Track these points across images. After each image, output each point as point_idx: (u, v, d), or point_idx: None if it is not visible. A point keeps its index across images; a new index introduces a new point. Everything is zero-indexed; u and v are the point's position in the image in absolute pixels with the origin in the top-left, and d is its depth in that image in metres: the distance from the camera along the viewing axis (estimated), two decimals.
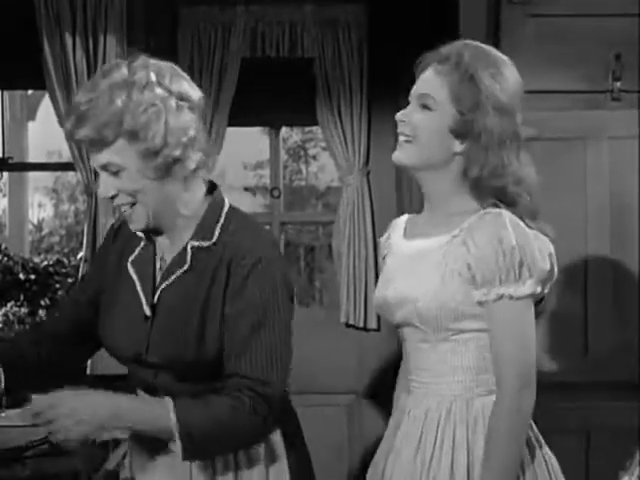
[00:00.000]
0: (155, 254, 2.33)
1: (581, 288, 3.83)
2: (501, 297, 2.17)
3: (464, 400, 2.24)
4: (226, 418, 2.16)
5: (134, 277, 2.32)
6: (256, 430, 2.20)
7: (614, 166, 3.84)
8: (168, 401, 2.15)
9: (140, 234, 2.35)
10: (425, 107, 2.25)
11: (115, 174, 2.21)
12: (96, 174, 4.51)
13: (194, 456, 2.18)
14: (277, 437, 2.33)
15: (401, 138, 2.29)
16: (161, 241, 2.33)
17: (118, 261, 2.38)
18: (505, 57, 2.32)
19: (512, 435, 2.16)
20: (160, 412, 2.15)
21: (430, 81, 2.26)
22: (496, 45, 3.84)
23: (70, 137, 2.22)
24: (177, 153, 2.21)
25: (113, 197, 2.24)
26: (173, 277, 2.26)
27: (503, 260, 2.16)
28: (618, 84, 3.83)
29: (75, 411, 2.12)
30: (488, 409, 2.22)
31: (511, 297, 2.17)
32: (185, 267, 2.25)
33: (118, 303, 2.35)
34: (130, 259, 2.35)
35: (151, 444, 2.31)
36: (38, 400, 2.14)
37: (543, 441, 2.31)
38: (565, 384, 3.69)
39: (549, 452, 2.31)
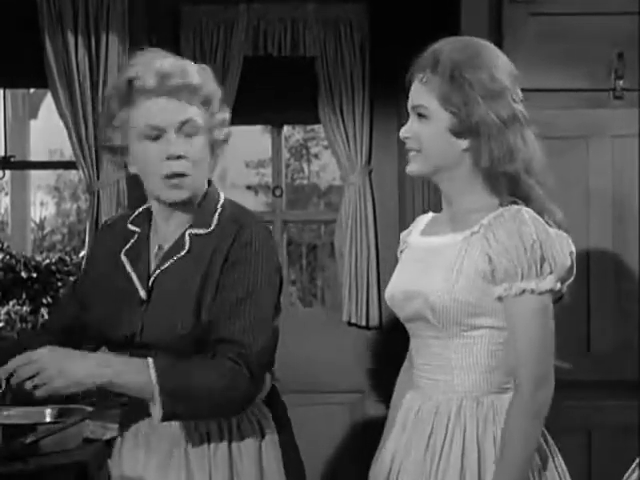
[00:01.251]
0: (149, 243, 2.42)
1: (583, 286, 3.83)
2: (523, 292, 2.18)
3: (474, 397, 2.25)
4: (207, 378, 2.21)
5: (127, 266, 2.40)
6: (237, 392, 2.24)
7: (616, 164, 3.84)
8: (148, 359, 2.21)
9: (134, 227, 2.45)
10: (421, 116, 2.28)
11: (189, 136, 2.31)
12: (99, 172, 4.52)
13: (172, 414, 2.20)
14: (266, 417, 2.40)
15: (410, 153, 2.31)
16: (164, 229, 2.40)
17: (108, 255, 2.46)
18: (487, 43, 2.32)
19: (527, 432, 2.17)
20: (140, 367, 2.20)
21: (417, 92, 2.29)
22: (498, 44, 3.84)
23: (179, 77, 2.31)
24: (226, 135, 2.40)
25: (180, 157, 2.30)
26: (170, 261, 2.35)
27: (524, 255, 2.17)
28: (620, 82, 3.83)
29: (57, 363, 2.17)
30: (498, 407, 2.22)
31: (532, 292, 2.18)
32: (183, 252, 2.34)
33: (111, 291, 2.41)
34: (123, 250, 2.42)
35: (145, 436, 2.38)
36: (19, 357, 2.20)
37: (556, 448, 2.32)
38: (567, 382, 3.68)
39: (562, 462, 2.32)
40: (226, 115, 2.40)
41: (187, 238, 2.35)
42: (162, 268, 2.35)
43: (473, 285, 2.21)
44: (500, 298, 2.20)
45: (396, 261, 2.49)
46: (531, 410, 2.16)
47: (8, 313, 5.62)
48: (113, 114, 2.35)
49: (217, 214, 2.37)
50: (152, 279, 2.36)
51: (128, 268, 2.39)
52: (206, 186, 2.41)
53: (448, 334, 2.25)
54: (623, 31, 3.83)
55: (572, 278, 2.28)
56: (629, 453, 2.55)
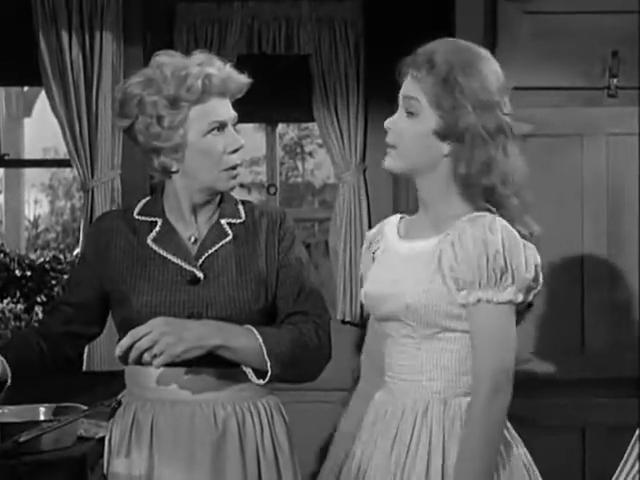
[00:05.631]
0: (177, 231, 2.53)
1: (577, 285, 3.84)
2: (479, 301, 2.18)
3: (442, 400, 2.23)
4: (301, 342, 2.45)
5: (162, 251, 2.51)
6: (323, 355, 2.53)
7: (611, 162, 3.85)
8: (247, 325, 2.41)
9: (150, 218, 2.54)
10: (410, 113, 2.26)
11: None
12: (93, 170, 4.52)
13: (277, 376, 2.42)
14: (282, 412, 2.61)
15: (387, 147, 2.30)
16: (191, 220, 2.54)
17: (124, 246, 2.53)
18: (483, 50, 2.30)
19: (484, 437, 2.15)
20: (245, 332, 2.39)
21: (411, 86, 2.28)
22: (493, 42, 3.85)
23: (236, 80, 2.53)
24: None
25: (237, 150, 2.53)
26: (217, 245, 2.51)
27: (486, 264, 2.16)
28: (615, 81, 3.83)
29: (176, 329, 2.32)
30: (466, 409, 2.21)
31: (489, 301, 2.17)
32: (229, 238, 2.52)
33: (147, 277, 2.50)
34: (150, 238, 2.52)
35: (174, 438, 2.45)
36: (133, 331, 2.31)
37: (519, 440, 2.31)
38: (561, 381, 3.70)
39: (525, 450, 2.31)
40: None
41: (226, 226, 2.53)
42: (210, 251, 2.50)
43: (444, 289, 2.21)
44: (462, 305, 2.20)
45: None
46: (487, 412, 2.15)
47: (2, 311, 5.62)
48: (162, 115, 2.45)
49: (242, 207, 2.58)
50: (201, 262, 2.49)
51: (164, 253, 2.50)
52: None
53: (422, 335, 2.24)
54: (617, 29, 3.83)
55: (539, 288, 2.26)
56: (623, 450, 2.55)
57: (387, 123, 2.30)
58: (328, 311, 2.58)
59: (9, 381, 2.45)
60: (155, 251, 2.50)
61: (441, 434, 2.21)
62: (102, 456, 2.63)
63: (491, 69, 2.27)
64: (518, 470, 2.25)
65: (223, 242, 2.51)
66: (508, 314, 2.20)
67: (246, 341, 2.38)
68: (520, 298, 2.19)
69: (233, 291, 2.47)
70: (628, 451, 2.41)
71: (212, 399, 2.47)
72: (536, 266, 2.23)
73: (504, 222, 2.21)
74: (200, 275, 2.47)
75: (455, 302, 2.20)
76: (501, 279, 2.17)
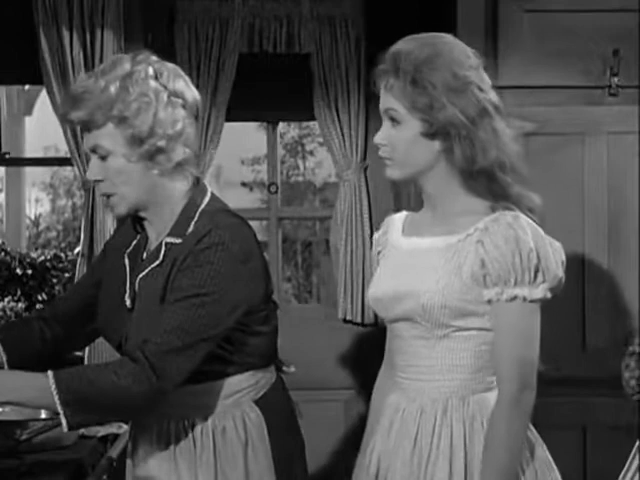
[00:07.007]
0: (145, 247, 2.40)
1: (578, 283, 3.84)
2: (514, 298, 2.17)
3: (460, 397, 2.23)
4: (105, 382, 2.16)
5: (127, 269, 2.39)
6: (140, 390, 2.17)
7: (612, 161, 3.85)
8: (49, 371, 2.16)
9: (139, 229, 2.42)
10: (394, 120, 2.23)
11: (103, 158, 2.32)
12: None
13: (77, 423, 2.18)
14: (256, 419, 2.37)
15: (385, 160, 2.28)
16: (150, 234, 2.40)
17: (117, 254, 2.44)
18: (446, 36, 2.26)
19: (512, 434, 2.16)
20: (39, 381, 2.16)
21: (384, 99, 2.25)
22: (494, 41, 3.85)
23: (64, 119, 2.34)
24: (162, 143, 2.29)
25: (98, 181, 2.34)
26: (147, 270, 2.33)
27: (520, 262, 2.16)
28: (616, 79, 3.83)
29: None
30: (485, 405, 2.21)
31: (524, 299, 2.18)
32: (157, 262, 2.32)
33: (110, 294, 2.41)
34: (127, 251, 2.41)
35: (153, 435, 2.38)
36: None
37: (541, 441, 2.31)
38: (562, 379, 3.70)
39: (546, 451, 2.32)
40: (158, 125, 2.29)
41: (162, 247, 2.32)
42: (140, 277, 2.34)
43: (465, 288, 2.19)
44: (490, 301, 2.19)
45: None
46: (515, 408, 2.16)
47: (3, 309, 5.61)
48: None
49: (194, 222, 2.32)
50: (136, 287, 2.35)
51: (127, 272, 2.39)
52: (186, 188, 2.36)
53: (437, 335, 2.23)
54: (618, 28, 3.83)
55: (562, 287, 2.26)
56: (623, 450, 2.55)
57: (377, 138, 2.27)
58: (186, 347, 2.22)
59: (5, 366, 2.43)
60: (125, 267, 2.41)
61: (462, 432, 2.21)
62: (103, 455, 2.63)
63: (458, 50, 2.23)
64: (542, 471, 2.26)
65: (152, 266, 2.33)
66: (537, 311, 2.21)
67: (37, 392, 2.16)
68: (549, 295, 2.20)
69: (142, 325, 2.29)
70: (628, 462, 2.42)
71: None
72: (562, 263, 2.24)
73: (527, 219, 2.20)
74: (128, 304, 2.36)
75: (475, 300, 2.20)
76: (535, 277, 2.17)
